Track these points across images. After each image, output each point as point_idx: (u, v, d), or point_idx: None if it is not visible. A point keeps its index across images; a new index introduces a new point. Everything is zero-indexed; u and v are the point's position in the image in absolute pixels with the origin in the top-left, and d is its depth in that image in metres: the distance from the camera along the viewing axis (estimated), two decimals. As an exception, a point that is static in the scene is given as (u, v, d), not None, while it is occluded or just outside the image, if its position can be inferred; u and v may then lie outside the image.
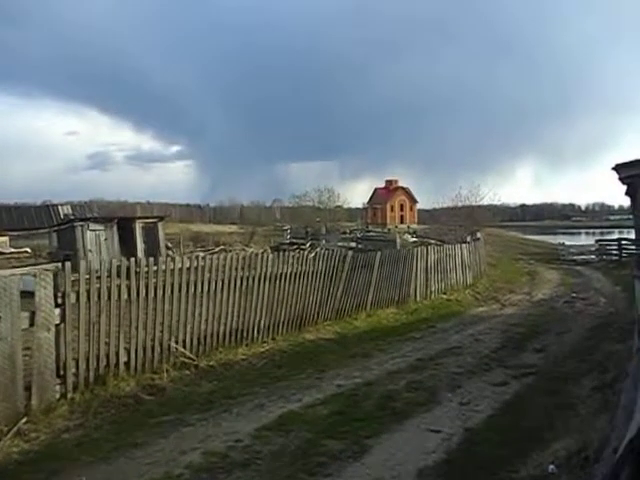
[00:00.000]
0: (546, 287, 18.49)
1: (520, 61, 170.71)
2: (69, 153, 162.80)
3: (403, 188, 74.49)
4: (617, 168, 8.00)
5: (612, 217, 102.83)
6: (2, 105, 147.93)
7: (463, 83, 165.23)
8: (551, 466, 4.30)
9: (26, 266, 18.47)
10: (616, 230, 59.41)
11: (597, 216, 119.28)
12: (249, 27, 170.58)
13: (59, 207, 43.61)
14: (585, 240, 46.15)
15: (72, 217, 28.31)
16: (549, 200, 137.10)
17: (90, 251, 20.88)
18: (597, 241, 32.33)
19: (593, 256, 28.91)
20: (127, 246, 21.70)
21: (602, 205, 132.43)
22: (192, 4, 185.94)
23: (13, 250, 29.61)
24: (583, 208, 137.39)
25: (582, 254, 29.75)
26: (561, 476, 4.08)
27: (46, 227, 31.23)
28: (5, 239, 32.75)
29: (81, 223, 21.57)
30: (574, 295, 16.13)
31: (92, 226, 21.56)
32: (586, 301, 15.01)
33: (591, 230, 77.75)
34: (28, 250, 29.26)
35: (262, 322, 9.01)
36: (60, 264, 6.24)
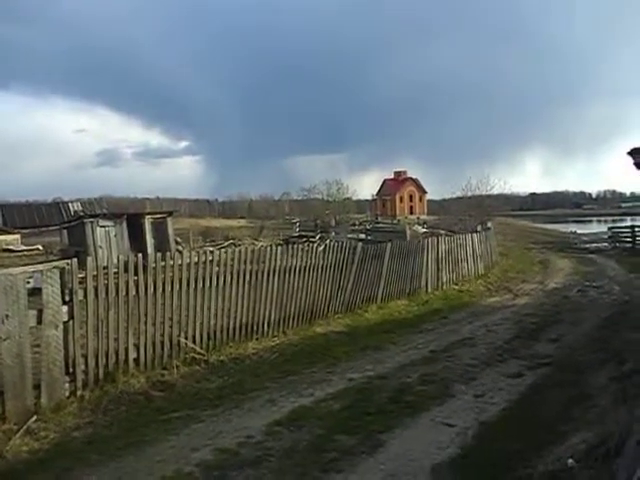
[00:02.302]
0: (559, 276, 18.26)
1: (526, 48, 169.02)
2: (78, 150, 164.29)
3: (412, 179, 74.20)
4: (632, 153, 7.77)
5: (624, 204, 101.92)
6: (13, 105, 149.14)
7: (472, 72, 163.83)
8: (570, 460, 4.16)
9: (37, 263, 18.54)
10: (628, 217, 58.95)
11: (608, 204, 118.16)
12: (259, 20, 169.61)
13: (69, 204, 43.98)
14: (597, 228, 45.64)
15: (82, 214, 28.44)
16: (559, 188, 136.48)
17: (100, 247, 20.90)
18: (610, 228, 31.96)
19: (606, 244, 28.60)
20: (137, 242, 21.71)
21: (613, 192, 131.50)
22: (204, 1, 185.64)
23: (24, 248, 29.82)
24: (594, 196, 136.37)
25: (594, 242, 29.46)
26: (581, 471, 3.94)
27: (57, 224, 31.45)
28: (17, 237, 33.03)
29: (91, 220, 21.57)
30: (587, 284, 15.91)
31: (102, 222, 21.56)
32: (600, 289, 14.80)
33: (602, 218, 77.01)
34: (40, 247, 29.46)
35: (272, 316, 8.93)
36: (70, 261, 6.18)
